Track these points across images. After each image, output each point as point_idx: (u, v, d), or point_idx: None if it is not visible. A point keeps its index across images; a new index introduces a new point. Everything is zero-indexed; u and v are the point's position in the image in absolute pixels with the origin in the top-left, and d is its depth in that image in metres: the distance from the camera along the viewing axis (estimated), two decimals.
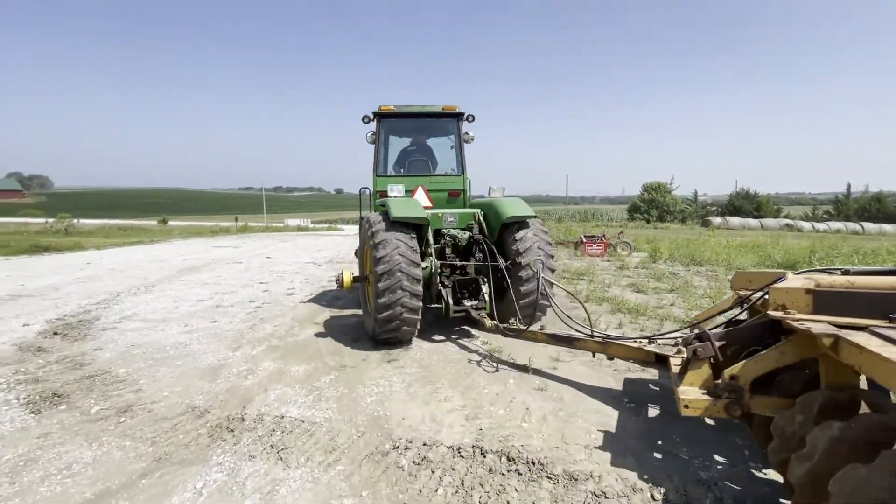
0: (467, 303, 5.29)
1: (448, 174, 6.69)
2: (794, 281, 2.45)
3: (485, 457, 2.83)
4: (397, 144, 7.16)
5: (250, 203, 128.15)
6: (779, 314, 2.24)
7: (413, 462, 2.79)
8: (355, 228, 53.44)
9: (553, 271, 5.42)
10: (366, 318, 5.68)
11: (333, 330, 5.93)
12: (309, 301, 7.88)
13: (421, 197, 6.39)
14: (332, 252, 17.86)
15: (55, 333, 5.61)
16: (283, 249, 18.95)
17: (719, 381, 2.42)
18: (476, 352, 4.98)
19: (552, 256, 5.49)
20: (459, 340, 5.42)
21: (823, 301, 2.16)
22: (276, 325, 6.22)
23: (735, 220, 43.41)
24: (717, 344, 2.51)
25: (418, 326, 5.06)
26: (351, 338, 5.52)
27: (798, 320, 2.14)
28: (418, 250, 5.01)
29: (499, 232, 5.66)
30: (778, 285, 2.36)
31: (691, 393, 2.46)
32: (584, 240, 17.02)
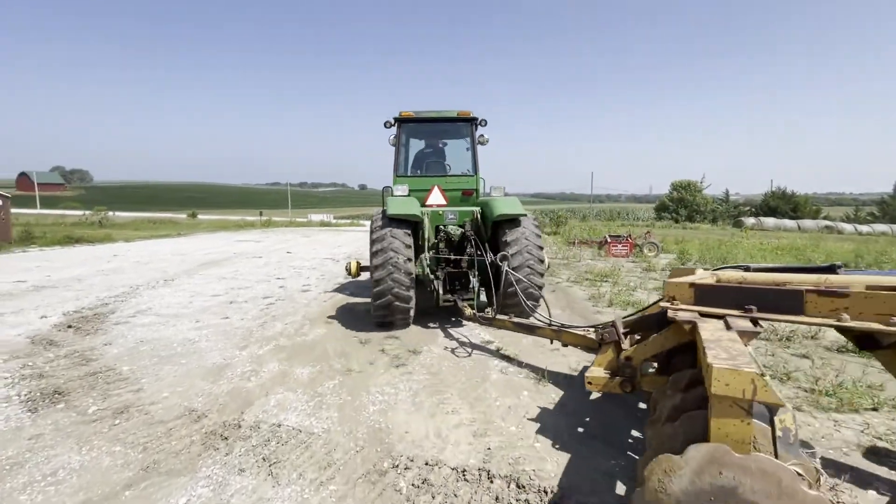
0: (458, 294, 5.76)
1: (462, 175, 7.00)
2: (688, 276, 2.79)
3: (492, 482, 2.57)
4: (416, 147, 7.51)
5: (277, 198, 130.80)
6: (667, 304, 2.50)
7: (413, 485, 2.55)
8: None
9: (542, 274, 5.77)
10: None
11: (344, 330, 5.76)
12: (322, 298, 7.75)
13: (437, 195, 6.70)
14: (352, 248, 17.84)
15: (69, 326, 5.62)
16: (303, 244, 19.06)
17: None
18: (490, 358, 4.70)
19: (542, 254, 5.81)
20: (473, 346, 5.15)
21: (701, 294, 2.41)
22: (286, 323, 6.09)
23: (770, 221, 41.48)
24: (622, 330, 2.80)
25: (411, 313, 5.66)
26: (360, 339, 5.33)
27: (677, 310, 2.40)
28: (411, 245, 5.58)
29: (492, 229, 6.13)
30: (669, 280, 2.64)
31: (596, 372, 2.78)
32: (609, 239, 16.44)
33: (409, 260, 5.43)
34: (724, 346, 1.82)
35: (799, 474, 1.58)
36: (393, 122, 6.89)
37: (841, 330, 2.24)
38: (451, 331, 5.75)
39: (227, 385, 3.95)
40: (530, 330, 4.18)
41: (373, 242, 5.53)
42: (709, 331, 2.02)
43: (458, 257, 6.01)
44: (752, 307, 2.20)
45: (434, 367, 4.41)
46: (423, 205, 6.58)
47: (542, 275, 5.77)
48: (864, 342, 2.39)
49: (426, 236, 6.27)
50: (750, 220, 41.84)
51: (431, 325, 5.99)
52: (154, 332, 5.54)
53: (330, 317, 6.45)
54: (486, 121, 6.98)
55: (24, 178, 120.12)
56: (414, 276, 5.52)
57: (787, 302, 2.15)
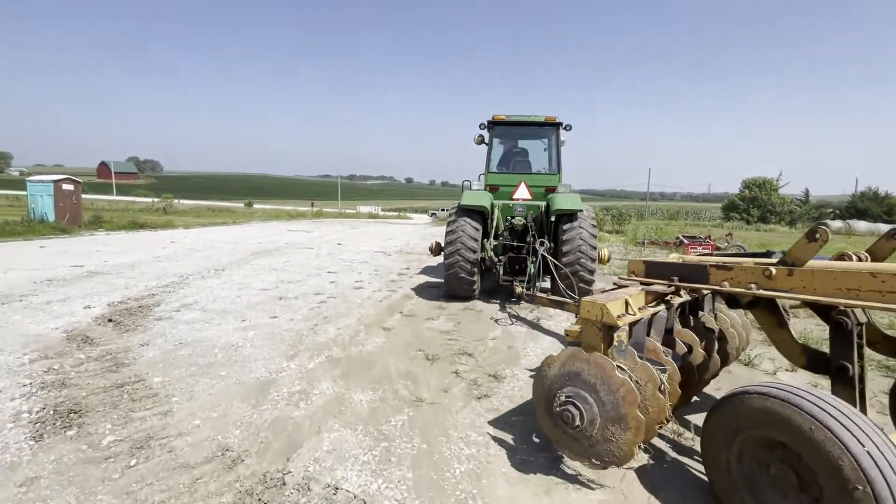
0: (516, 276, 6.69)
1: (546, 173, 7.76)
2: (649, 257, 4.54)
3: None
4: (506, 146, 8.25)
5: (327, 190, 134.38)
6: (625, 277, 3.17)
7: None
8: (424, 217, 53.46)
9: (594, 260, 6.45)
10: None
11: (406, 341, 4.89)
12: (377, 298, 6.96)
13: (523, 190, 7.50)
14: (402, 241, 17.18)
15: (110, 320, 5.13)
16: (353, 236, 18.64)
17: None
18: None
19: (594, 252, 6.47)
20: None
21: (648, 269, 3.07)
22: (339, 327, 5.32)
23: (861, 225, 36.82)
24: None
25: (476, 288, 6.78)
26: (426, 355, 4.43)
27: (622, 279, 3.13)
28: (479, 231, 6.64)
29: (554, 222, 6.87)
30: (631, 257, 3.72)
31: (573, 326, 3.05)
32: (686, 241, 14.71)
33: (476, 241, 6.56)
34: (612, 295, 2.66)
35: (619, 366, 2.39)
36: (486, 124, 7.66)
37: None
38: (533, 348, 4.73)
39: (270, 412, 3.15)
40: (560, 305, 4.74)
41: (447, 230, 6.72)
42: (622, 289, 2.85)
43: (519, 244, 6.93)
44: (675, 277, 2.87)
45: (527, 404, 3.42)
46: (510, 198, 7.49)
47: (592, 268, 6.42)
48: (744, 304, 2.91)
49: (495, 225, 7.11)
50: (836, 224, 37.39)
51: (506, 323, 5.00)
52: (196, 331, 4.92)
53: (388, 322, 5.61)
54: (570, 126, 7.57)
55: (103, 167, 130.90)
56: (478, 258, 6.62)
57: (699, 274, 2.76)
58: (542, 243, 6.43)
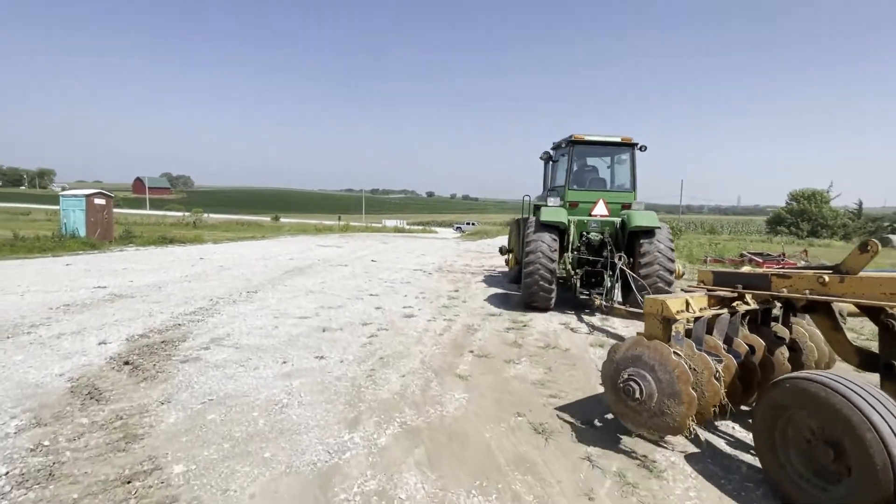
0: (593, 290, 7.01)
1: (622, 191, 8.02)
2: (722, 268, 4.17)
3: None
4: (578, 164, 8.34)
5: (351, 203, 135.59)
6: (693, 286, 3.63)
7: None
8: (449, 231, 52.62)
9: (671, 273, 6.81)
10: None
11: (494, 397, 3.77)
12: (435, 329, 5.88)
13: (601, 207, 7.75)
14: (437, 258, 16.14)
15: (126, 363, 4.19)
16: (385, 252, 17.73)
17: None
18: None
19: (672, 265, 6.87)
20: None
21: (718, 279, 3.44)
22: (403, 373, 4.25)
23: None
24: None
25: (553, 298, 7.04)
26: (531, 421, 3.30)
27: (692, 287, 3.63)
28: (556, 246, 6.97)
29: (629, 237, 7.21)
30: (701, 269, 3.94)
31: None
32: (758, 259, 13.18)
33: (553, 257, 6.89)
34: (673, 295, 3.15)
35: (675, 352, 2.77)
36: (563, 142, 8.01)
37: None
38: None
39: None
40: (639, 316, 4.61)
41: (526, 243, 7.09)
42: (688, 293, 3.27)
43: (595, 258, 7.15)
44: (739, 285, 3.28)
45: None
46: (588, 214, 7.76)
47: (670, 280, 6.77)
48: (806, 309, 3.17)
49: (571, 240, 7.54)
50: (895, 238, 34.58)
51: None
52: (229, 379, 3.92)
53: (461, 366, 4.51)
54: (645, 146, 7.83)
55: (138, 182, 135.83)
56: (556, 271, 6.98)
57: (761, 282, 3.16)
58: (620, 257, 6.78)
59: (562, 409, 3.58)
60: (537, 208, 9.71)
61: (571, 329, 6.13)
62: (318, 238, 25.26)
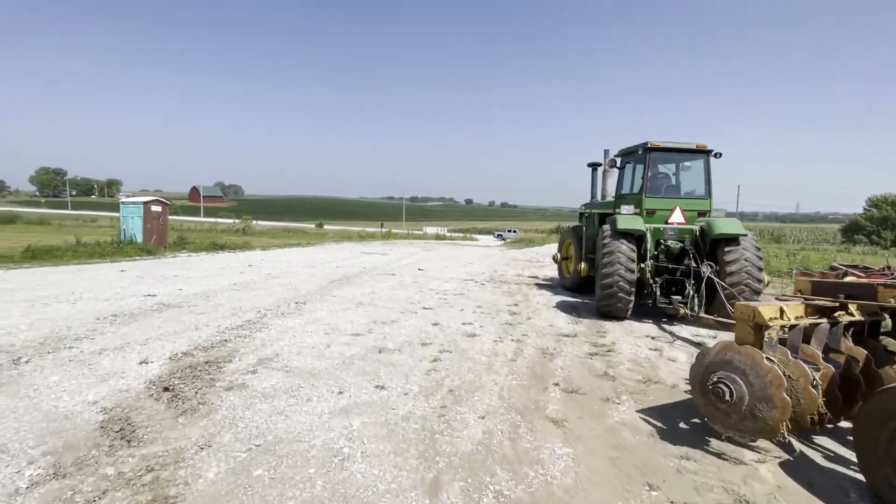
0: (674, 298, 6.87)
1: (698, 198, 7.82)
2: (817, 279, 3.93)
3: None
4: (652, 171, 7.99)
5: (391, 211, 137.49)
6: (789, 295, 3.72)
7: None
8: (490, 239, 51.68)
9: (759, 282, 6.68)
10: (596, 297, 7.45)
11: (608, 454, 2.93)
12: (506, 353, 5.08)
13: (678, 215, 7.58)
14: (485, 267, 15.32)
15: (166, 389, 3.68)
16: (430, 260, 17.13)
17: None
18: None
19: (761, 274, 6.74)
20: None
21: (817, 288, 3.50)
22: (480, 412, 3.49)
23: None
24: None
25: (630, 307, 6.95)
26: (682, 501, 2.43)
27: (787, 296, 3.68)
28: (635, 255, 6.93)
29: (711, 245, 7.12)
30: (798, 278, 3.98)
31: None
32: (857, 272, 11.42)
33: (633, 263, 6.78)
34: (767, 302, 3.14)
35: (768, 358, 2.78)
36: (640, 149, 7.79)
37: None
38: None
39: None
40: (728, 327, 4.23)
41: (603, 251, 6.92)
42: (783, 302, 3.26)
43: (676, 266, 6.95)
44: (841, 295, 3.29)
45: None
46: (665, 222, 7.60)
47: (758, 289, 6.60)
48: None
49: (647, 248, 7.25)
50: None
51: None
52: (279, 415, 3.30)
53: (550, 405, 3.68)
54: (720, 153, 7.73)
55: (194, 192, 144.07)
56: (635, 279, 6.79)
57: (866, 292, 3.23)
58: (710, 266, 6.63)
59: (699, 478, 2.68)
60: (603, 216, 9.63)
61: (669, 358, 5.15)
62: (361, 245, 25.12)
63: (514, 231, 59.30)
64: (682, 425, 3.43)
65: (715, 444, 3.11)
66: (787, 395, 2.70)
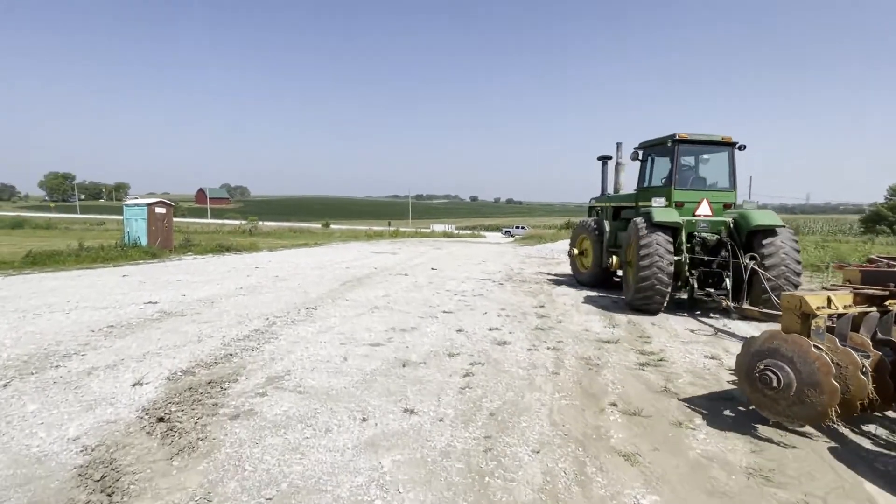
0: (711, 290, 6.86)
1: (724, 190, 7.88)
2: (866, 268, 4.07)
3: None
4: (678, 163, 7.83)
5: (396, 209, 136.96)
6: (838, 285, 3.79)
7: None
8: (498, 236, 50.97)
9: (798, 274, 6.70)
10: (625, 294, 7.65)
11: (702, 500, 2.35)
12: (546, 365, 4.49)
13: (705, 207, 7.63)
14: (499, 265, 14.72)
15: (161, 419, 3.13)
16: (442, 259, 16.57)
17: None
18: None
19: (798, 267, 6.73)
20: None
21: (866, 277, 3.50)
22: (533, 444, 2.91)
23: None
24: None
25: (665, 302, 6.82)
26: None
27: (836, 286, 3.72)
28: (671, 247, 6.82)
29: (747, 237, 7.05)
30: (846, 268, 4.13)
31: None
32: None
33: (671, 256, 6.74)
34: (816, 294, 3.10)
35: (816, 346, 2.83)
36: (669, 140, 7.63)
37: None
38: None
39: None
40: (774, 318, 4.73)
41: (640, 244, 6.81)
42: (830, 291, 3.27)
43: (712, 258, 7.04)
44: (892, 284, 3.34)
45: None
46: (692, 214, 7.54)
47: (797, 282, 6.62)
48: None
49: (682, 240, 7.16)
50: None
51: None
52: (293, 452, 2.75)
53: (615, 436, 3.09)
54: (745, 145, 7.72)
55: (200, 193, 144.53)
56: (673, 272, 6.75)
57: None
58: (752, 258, 6.61)
59: None
60: (618, 209, 9.66)
61: (729, 368, 4.54)
62: (370, 244, 24.61)
63: (523, 227, 58.53)
64: (777, 453, 2.83)
65: (831, 477, 2.51)
66: (836, 381, 2.76)
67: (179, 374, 4.02)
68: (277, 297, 7.86)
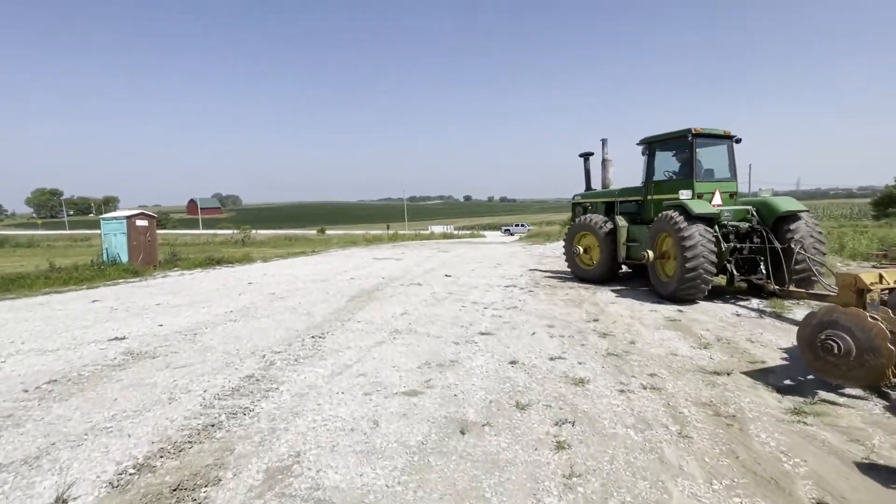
0: (751, 277, 7.31)
1: (727, 180, 8.43)
2: None
3: None
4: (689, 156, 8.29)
5: (391, 212, 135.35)
6: (889, 263, 4.31)
7: None
8: (498, 234, 49.68)
9: (824, 255, 7.24)
10: (658, 287, 7.85)
11: None
12: (656, 416, 3.14)
13: (718, 198, 8.06)
14: (517, 268, 13.37)
15: None
16: (451, 263, 15.19)
17: None
18: None
19: (824, 243, 7.32)
20: None
21: None
22: None
23: None
24: None
25: (707, 291, 7.14)
26: None
27: (886, 264, 4.36)
28: (712, 237, 7.12)
29: (773, 223, 7.49)
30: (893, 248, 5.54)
31: None
32: None
33: (712, 244, 7.04)
34: (869, 272, 3.67)
35: (872, 317, 3.17)
36: (688, 134, 8.04)
37: None
38: None
39: None
40: (822, 297, 5.50)
41: (683, 236, 7.05)
42: (882, 269, 3.76)
43: (749, 245, 7.42)
44: None
45: None
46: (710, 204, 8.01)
47: (823, 264, 7.04)
48: None
49: (715, 230, 7.40)
50: None
51: None
52: None
53: None
54: (740, 139, 8.47)
55: (191, 204, 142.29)
56: (716, 261, 7.05)
57: None
58: (798, 242, 6.99)
59: None
60: (610, 205, 10.33)
61: None
62: (370, 250, 23.20)
63: (523, 225, 57.26)
64: None
65: None
66: (892, 345, 3.06)
67: (131, 471, 2.64)
68: (275, 323, 6.48)
